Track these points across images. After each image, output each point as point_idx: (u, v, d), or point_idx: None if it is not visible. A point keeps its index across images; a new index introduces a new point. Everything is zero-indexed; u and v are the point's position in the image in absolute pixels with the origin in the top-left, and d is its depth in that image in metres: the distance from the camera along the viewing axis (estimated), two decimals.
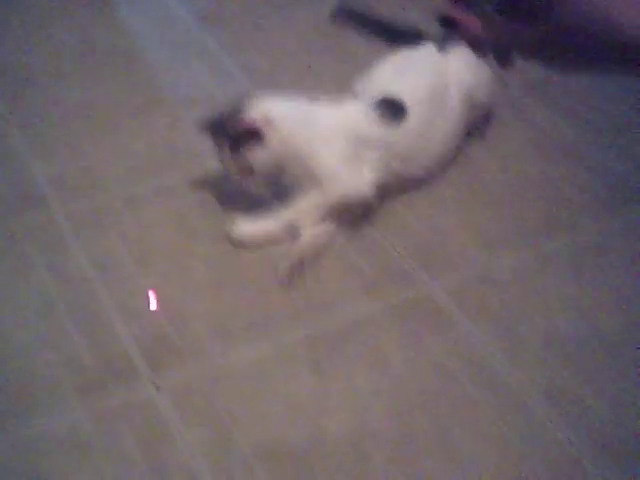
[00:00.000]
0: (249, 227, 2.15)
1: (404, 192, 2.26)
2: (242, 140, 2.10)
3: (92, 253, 2.13)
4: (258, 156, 2.11)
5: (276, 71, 2.71)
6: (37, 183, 2.32)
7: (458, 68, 2.34)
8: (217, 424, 1.78)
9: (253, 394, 1.84)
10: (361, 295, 2.04)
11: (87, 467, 1.71)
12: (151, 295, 1.99)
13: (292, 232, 2.14)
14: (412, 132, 2.22)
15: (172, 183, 2.33)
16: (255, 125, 2.09)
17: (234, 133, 2.10)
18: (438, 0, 2.84)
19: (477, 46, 2.41)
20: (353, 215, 2.18)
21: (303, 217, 2.14)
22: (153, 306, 1.98)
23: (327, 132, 2.15)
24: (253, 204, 2.19)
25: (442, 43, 2.40)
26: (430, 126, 2.25)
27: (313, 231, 2.14)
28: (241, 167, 2.13)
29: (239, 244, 2.14)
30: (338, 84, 2.60)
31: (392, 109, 2.20)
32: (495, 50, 2.53)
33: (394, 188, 2.24)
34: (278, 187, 2.17)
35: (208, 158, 2.34)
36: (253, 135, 2.09)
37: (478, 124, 2.42)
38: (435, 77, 2.31)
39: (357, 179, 2.15)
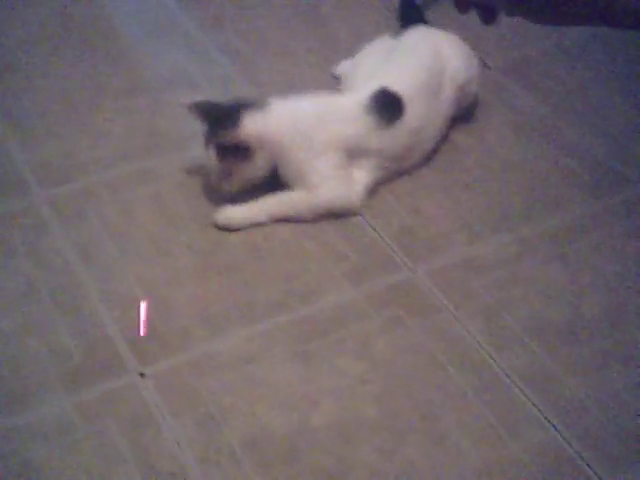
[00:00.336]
0: (234, 212, 2.15)
1: (390, 180, 2.26)
2: (230, 151, 2.09)
3: (74, 238, 2.12)
4: (243, 168, 2.11)
5: (257, 54, 2.69)
6: (17, 168, 2.30)
7: (451, 56, 2.32)
8: (202, 412, 1.78)
9: (238, 381, 1.83)
10: (345, 281, 2.04)
11: (73, 455, 1.71)
12: (142, 306, 1.97)
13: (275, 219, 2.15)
14: (408, 132, 2.22)
15: (153, 166, 2.31)
16: (247, 143, 2.08)
17: (224, 143, 2.08)
18: None
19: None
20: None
21: (287, 211, 2.15)
22: (142, 316, 1.96)
23: (322, 146, 2.13)
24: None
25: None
26: (425, 121, 2.25)
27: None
28: (223, 172, 2.12)
29: (224, 228, 2.13)
30: (318, 66, 2.61)
31: (389, 108, 2.18)
32: (479, 4, 2.52)
33: (383, 180, 2.24)
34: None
35: (189, 141, 2.34)
36: (243, 151, 2.08)
37: (463, 110, 2.41)
38: (431, 67, 2.29)
39: (347, 190, 2.16)
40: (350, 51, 2.53)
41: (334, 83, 2.51)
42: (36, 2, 2.88)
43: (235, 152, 2.08)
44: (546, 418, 1.78)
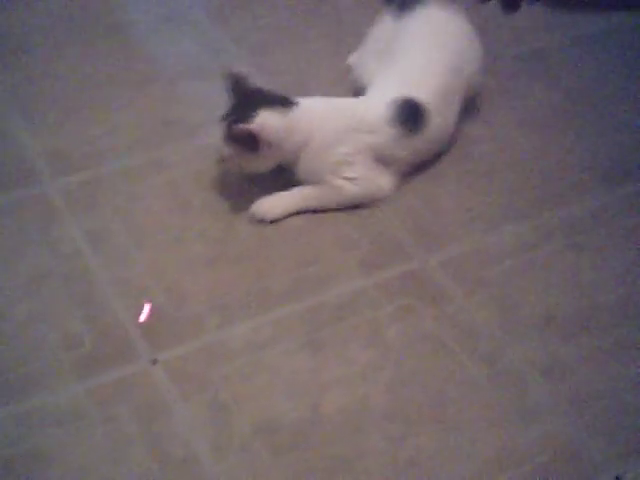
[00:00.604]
0: (271, 204, 2.14)
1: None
2: (239, 138, 2.08)
3: (86, 227, 2.12)
4: (246, 158, 2.11)
5: (269, 43, 2.69)
6: (30, 156, 2.30)
7: (466, 49, 2.30)
8: (214, 398, 1.78)
9: (250, 369, 1.83)
10: (357, 269, 2.04)
11: (84, 441, 1.71)
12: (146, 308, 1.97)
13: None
14: (432, 138, 2.21)
15: (165, 155, 2.31)
16: (256, 138, 2.06)
17: (235, 130, 2.07)
18: None
19: None
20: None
21: (319, 205, 2.15)
22: (143, 317, 1.96)
23: (346, 157, 2.12)
24: (248, 178, 2.19)
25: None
26: (446, 122, 2.24)
27: None
28: (227, 153, 2.12)
29: (261, 220, 2.13)
30: (331, 54, 2.60)
31: (414, 119, 2.16)
32: None
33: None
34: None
35: (202, 130, 2.34)
36: (250, 143, 2.07)
37: (468, 100, 2.39)
38: (454, 67, 2.25)
39: (377, 185, 2.17)
40: (361, 39, 2.52)
41: (346, 72, 2.51)
42: None
43: (243, 141, 2.07)
44: (558, 407, 1.78)
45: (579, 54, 2.66)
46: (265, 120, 2.08)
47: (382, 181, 2.17)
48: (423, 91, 2.18)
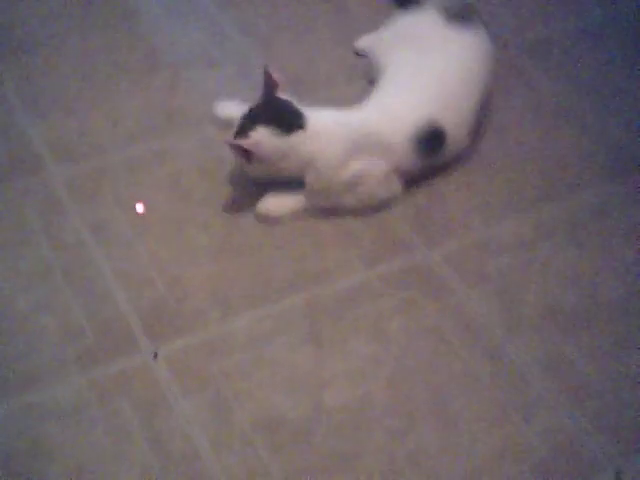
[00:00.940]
0: (276, 202, 2.14)
1: None
2: (237, 148, 2.07)
3: (89, 217, 2.12)
4: (245, 165, 2.10)
5: (275, 32, 2.68)
6: (33, 146, 2.30)
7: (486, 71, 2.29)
8: (215, 393, 1.78)
9: (251, 362, 1.84)
10: (359, 262, 2.03)
11: (85, 434, 1.71)
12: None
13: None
14: (449, 153, 2.21)
15: (170, 146, 2.31)
16: (248, 150, 2.05)
17: (233, 142, 2.06)
18: None
19: None
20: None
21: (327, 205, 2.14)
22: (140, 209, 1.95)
23: (359, 172, 2.10)
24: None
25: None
26: (463, 135, 2.23)
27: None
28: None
29: (264, 218, 2.13)
30: (337, 44, 2.59)
31: (433, 141, 2.15)
32: None
33: None
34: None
35: (206, 120, 2.33)
36: (245, 154, 2.06)
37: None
38: (479, 91, 2.25)
39: (387, 187, 2.15)
40: (368, 28, 2.51)
41: (353, 61, 2.51)
42: None
43: (239, 150, 2.07)
44: (559, 402, 1.78)
45: (584, 44, 2.65)
46: (259, 138, 2.05)
47: (392, 187, 2.16)
48: (445, 116, 2.16)
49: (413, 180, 2.18)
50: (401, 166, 2.14)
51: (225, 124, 2.25)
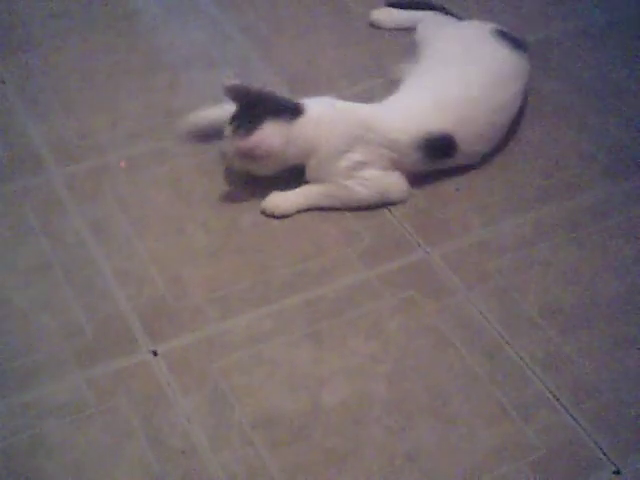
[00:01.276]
0: (282, 199, 2.14)
1: None
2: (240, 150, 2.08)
3: (88, 216, 2.12)
4: (249, 164, 2.11)
5: (276, 33, 2.68)
6: (33, 145, 2.30)
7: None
8: (213, 390, 1.78)
9: (250, 360, 1.84)
10: (359, 261, 2.03)
11: (84, 431, 1.71)
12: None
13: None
14: (459, 159, 2.21)
15: (169, 146, 2.31)
16: (255, 150, 2.06)
17: (237, 148, 2.07)
18: None
19: None
20: None
21: (334, 203, 2.14)
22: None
23: (365, 165, 2.11)
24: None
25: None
26: (479, 144, 2.23)
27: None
28: (233, 158, 2.12)
29: (270, 215, 2.13)
30: (338, 45, 2.59)
31: (443, 148, 2.16)
32: None
33: None
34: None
35: None
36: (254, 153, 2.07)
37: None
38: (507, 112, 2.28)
39: (393, 187, 2.15)
40: (368, 28, 2.52)
41: (353, 61, 2.52)
42: None
43: (252, 151, 2.07)
44: (558, 401, 1.77)
45: (584, 44, 2.64)
46: (267, 132, 2.07)
47: (396, 184, 2.16)
48: (460, 125, 2.16)
49: (413, 180, 2.18)
50: (404, 165, 2.14)
51: (201, 134, 2.27)
